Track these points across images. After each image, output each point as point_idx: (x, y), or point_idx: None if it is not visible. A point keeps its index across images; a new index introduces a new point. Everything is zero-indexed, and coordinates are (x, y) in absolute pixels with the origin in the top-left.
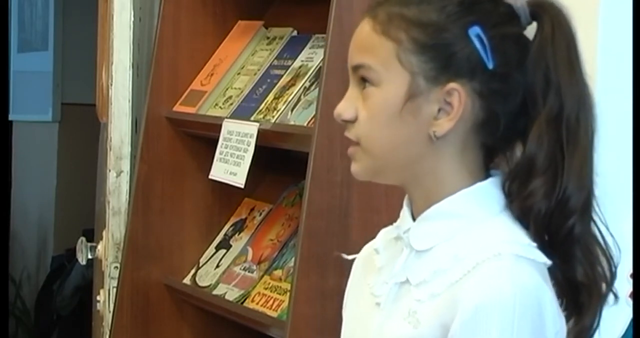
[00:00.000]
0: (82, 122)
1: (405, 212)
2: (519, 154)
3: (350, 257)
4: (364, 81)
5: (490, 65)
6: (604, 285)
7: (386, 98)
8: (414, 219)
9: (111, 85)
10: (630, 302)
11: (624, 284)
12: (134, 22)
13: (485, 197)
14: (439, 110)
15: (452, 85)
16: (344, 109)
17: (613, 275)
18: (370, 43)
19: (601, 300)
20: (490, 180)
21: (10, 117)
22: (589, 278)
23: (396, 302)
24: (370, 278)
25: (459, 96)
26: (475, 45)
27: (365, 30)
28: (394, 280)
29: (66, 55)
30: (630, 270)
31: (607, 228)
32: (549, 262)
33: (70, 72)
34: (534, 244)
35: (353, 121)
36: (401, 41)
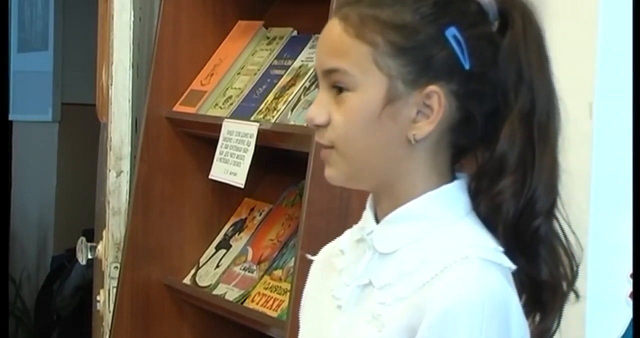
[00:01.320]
0: (82, 122)
1: (368, 214)
2: (487, 154)
3: (314, 258)
4: (336, 85)
5: (467, 66)
6: (565, 284)
7: (364, 103)
8: (377, 221)
9: (111, 85)
10: (630, 302)
11: (624, 284)
12: (134, 22)
13: (450, 199)
14: (418, 112)
15: (432, 88)
16: (316, 113)
17: (575, 274)
18: (343, 47)
19: (563, 299)
20: (456, 182)
21: (10, 117)
22: (553, 277)
23: (358, 305)
24: (330, 280)
25: (438, 99)
26: (453, 46)
27: (335, 32)
28: (356, 283)
29: (66, 55)
30: (630, 270)
31: (570, 226)
32: (513, 267)
33: (70, 72)
34: (500, 249)
35: (325, 126)
36: (377, 44)
